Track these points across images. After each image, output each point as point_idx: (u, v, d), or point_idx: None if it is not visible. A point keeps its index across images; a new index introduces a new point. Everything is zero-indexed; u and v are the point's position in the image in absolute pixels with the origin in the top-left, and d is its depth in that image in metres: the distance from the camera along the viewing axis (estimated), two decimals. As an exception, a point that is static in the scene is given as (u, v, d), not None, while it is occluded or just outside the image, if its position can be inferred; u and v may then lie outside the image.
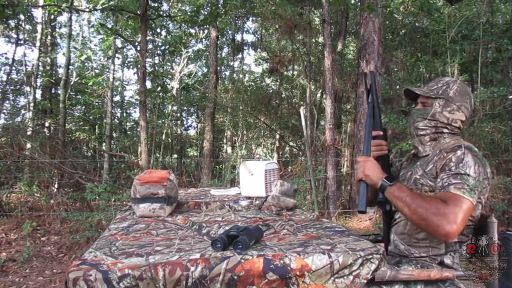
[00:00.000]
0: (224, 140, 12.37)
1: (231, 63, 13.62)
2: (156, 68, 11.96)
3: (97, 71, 11.94)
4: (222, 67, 13.60)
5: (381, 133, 1.41)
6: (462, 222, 1.14)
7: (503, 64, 7.84)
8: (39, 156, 5.85)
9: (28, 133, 7.42)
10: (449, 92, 1.37)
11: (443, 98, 1.37)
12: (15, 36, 10.42)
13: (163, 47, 10.14)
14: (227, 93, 10.35)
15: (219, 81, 10.84)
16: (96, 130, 12.01)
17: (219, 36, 10.42)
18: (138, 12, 6.61)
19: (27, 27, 10.86)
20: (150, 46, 10.68)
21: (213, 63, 9.34)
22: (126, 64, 11.94)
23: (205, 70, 13.07)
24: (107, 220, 4.49)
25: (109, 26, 9.32)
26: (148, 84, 11.27)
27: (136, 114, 13.75)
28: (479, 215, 1.31)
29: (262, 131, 11.13)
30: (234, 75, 12.87)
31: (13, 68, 10.62)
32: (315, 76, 9.46)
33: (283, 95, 10.92)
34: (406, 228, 1.37)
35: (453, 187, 1.20)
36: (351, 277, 1.08)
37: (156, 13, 7.54)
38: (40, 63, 10.00)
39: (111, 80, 10.19)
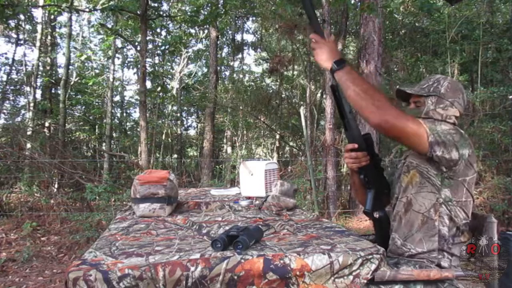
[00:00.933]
0: (224, 140, 12.37)
1: (231, 63, 13.62)
2: (156, 68, 11.96)
3: (97, 71, 11.93)
4: (222, 67, 13.59)
5: (356, 145, 1.38)
6: (401, 126, 1.17)
7: (503, 64, 7.84)
8: (39, 156, 5.85)
9: (28, 133, 7.42)
10: (441, 88, 1.37)
11: (435, 95, 1.37)
12: (15, 36, 10.41)
13: (163, 47, 10.14)
14: (227, 93, 10.34)
15: (219, 81, 10.83)
16: (96, 130, 12.01)
17: (219, 36, 10.42)
18: (138, 12, 6.61)
19: (27, 27, 10.86)
20: (150, 46, 10.68)
21: (213, 63, 9.34)
22: (126, 64, 11.95)
23: (205, 70, 13.07)
24: (107, 220, 4.49)
25: (109, 26, 9.32)
26: (148, 84, 11.28)
27: (136, 114, 13.76)
28: (466, 202, 1.30)
29: (262, 131, 11.13)
30: (234, 75, 12.87)
31: (13, 68, 10.61)
32: (315, 76, 9.46)
33: (283, 95, 10.92)
34: (402, 221, 1.37)
35: (421, 118, 1.26)
36: (351, 277, 1.08)
37: (156, 13, 7.54)
38: (40, 63, 9.99)
39: (111, 80, 10.19)
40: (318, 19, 1.32)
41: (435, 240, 1.29)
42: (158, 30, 10.70)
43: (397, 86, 1.48)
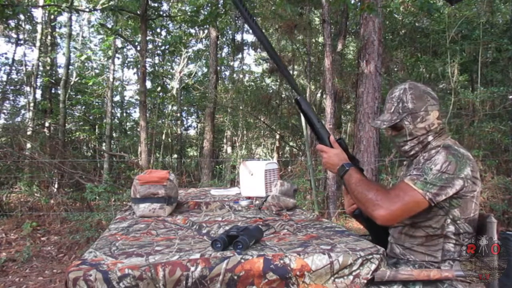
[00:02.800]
0: (224, 140, 12.36)
1: (231, 63, 13.61)
2: (156, 68, 11.96)
3: (97, 71, 11.94)
4: (222, 67, 13.59)
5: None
6: (400, 210, 1.18)
7: (503, 64, 7.84)
8: (39, 156, 5.85)
9: (28, 133, 7.42)
10: (408, 105, 1.33)
11: (408, 114, 1.33)
12: (15, 36, 10.41)
13: (163, 47, 10.14)
14: (227, 93, 10.35)
15: (219, 81, 10.83)
16: (96, 130, 12.01)
17: (219, 36, 10.41)
18: (138, 12, 6.61)
19: (27, 27, 10.86)
20: (150, 46, 10.67)
21: (213, 63, 9.34)
22: (126, 64, 11.95)
23: (205, 70, 13.06)
24: (107, 220, 4.49)
25: (109, 26, 9.32)
26: (148, 84, 11.27)
27: (136, 114, 13.76)
28: (474, 216, 1.28)
29: (262, 131, 11.13)
30: (234, 75, 12.87)
31: (13, 68, 10.61)
32: (315, 76, 9.46)
33: (283, 95, 10.92)
34: (402, 233, 1.36)
35: (409, 178, 1.23)
36: (351, 277, 1.08)
37: (156, 13, 7.53)
38: (40, 63, 9.99)
39: (111, 80, 10.19)
40: (292, 76, 1.43)
41: (438, 254, 1.27)
42: (158, 30, 10.69)
43: (371, 124, 1.50)
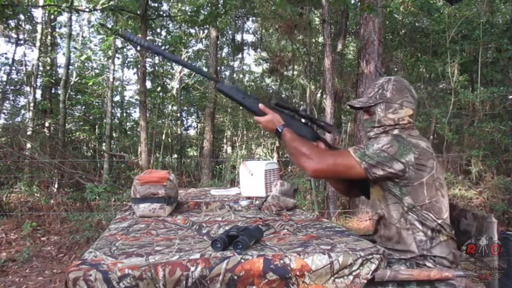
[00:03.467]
0: (224, 140, 12.36)
1: (231, 63, 13.61)
2: (156, 68, 11.95)
3: (97, 71, 11.92)
4: (222, 67, 13.59)
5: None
6: (330, 167, 1.28)
7: (503, 64, 7.84)
8: (39, 156, 5.85)
9: (28, 133, 7.42)
10: (386, 93, 1.38)
11: (383, 101, 1.38)
12: (15, 36, 10.41)
13: (163, 47, 10.13)
14: (227, 93, 10.32)
15: (219, 81, 10.80)
16: (96, 130, 12.00)
17: (219, 36, 10.42)
18: (138, 12, 6.62)
19: (27, 27, 10.85)
20: (150, 46, 10.64)
21: (213, 63, 9.34)
22: (126, 64, 11.94)
23: (205, 70, 13.06)
24: (107, 220, 4.49)
25: (109, 26, 9.31)
26: (148, 84, 11.26)
27: (136, 114, 13.74)
28: (431, 203, 1.28)
29: (262, 131, 11.13)
30: (234, 75, 12.87)
31: (13, 68, 10.60)
32: (315, 76, 9.46)
33: (283, 95, 10.91)
34: (380, 236, 1.40)
35: (352, 148, 1.31)
36: (351, 277, 1.08)
37: (156, 13, 7.54)
38: (40, 63, 9.98)
39: (111, 80, 10.18)
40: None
41: (414, 248, 1.30)
42: (158, 30, 10.69)
43: (347, 102, 1.54)
